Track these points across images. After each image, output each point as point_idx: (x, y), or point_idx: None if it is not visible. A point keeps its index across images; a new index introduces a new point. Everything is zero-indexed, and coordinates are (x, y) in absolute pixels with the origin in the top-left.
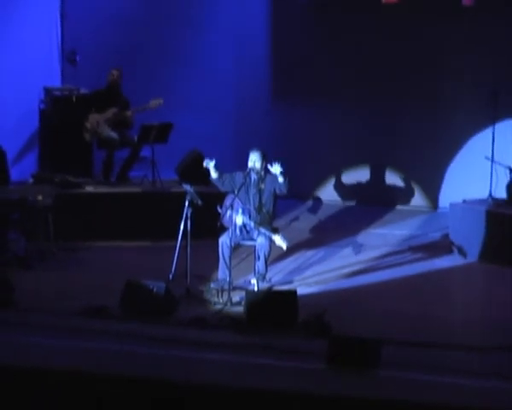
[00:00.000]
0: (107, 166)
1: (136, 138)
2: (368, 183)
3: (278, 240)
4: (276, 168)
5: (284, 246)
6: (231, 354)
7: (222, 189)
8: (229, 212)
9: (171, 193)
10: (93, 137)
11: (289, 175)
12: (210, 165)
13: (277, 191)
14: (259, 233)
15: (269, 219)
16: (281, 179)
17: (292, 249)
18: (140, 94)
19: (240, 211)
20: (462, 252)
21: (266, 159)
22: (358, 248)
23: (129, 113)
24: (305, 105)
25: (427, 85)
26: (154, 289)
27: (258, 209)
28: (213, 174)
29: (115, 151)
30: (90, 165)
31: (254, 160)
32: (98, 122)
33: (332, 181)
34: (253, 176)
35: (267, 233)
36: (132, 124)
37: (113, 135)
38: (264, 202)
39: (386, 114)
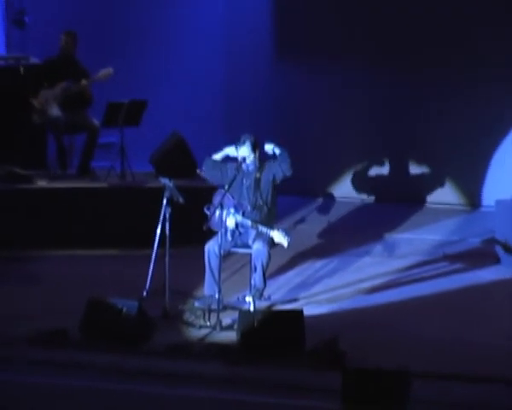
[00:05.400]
0: (59, 155)
1: (93, 120)
2: (390, 175)
3: (277, 236)
4: (268, 147)
5: (285, 243)
6: (221, 391)
7: (211, 181)
8: (218, 211)
9: (146, 189)
10: (42, 119)
11: (294, 167)
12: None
13: (278, 177)
14: (257, 234)
15: (269, 215)
16: (277, 151)
17: (297, 259)
18: (105, 66)
19: (232, 210)
20: (508, 249)
21: (259, 146)
22: (380, 258)
23: (82, 85)
24: (312, 76)
25: (465, 54)
26: (124, 310)
27: (255, 204)
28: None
29: (62, 135)
30: (44, 154)
31: (245, 152)
32: (47, 100)
33: (347, 174)
34: (247, 166)
35: (264, 230)
36: (89, 101)
37: (57, 114)
38: (261, 194)
39: (412, 90)
